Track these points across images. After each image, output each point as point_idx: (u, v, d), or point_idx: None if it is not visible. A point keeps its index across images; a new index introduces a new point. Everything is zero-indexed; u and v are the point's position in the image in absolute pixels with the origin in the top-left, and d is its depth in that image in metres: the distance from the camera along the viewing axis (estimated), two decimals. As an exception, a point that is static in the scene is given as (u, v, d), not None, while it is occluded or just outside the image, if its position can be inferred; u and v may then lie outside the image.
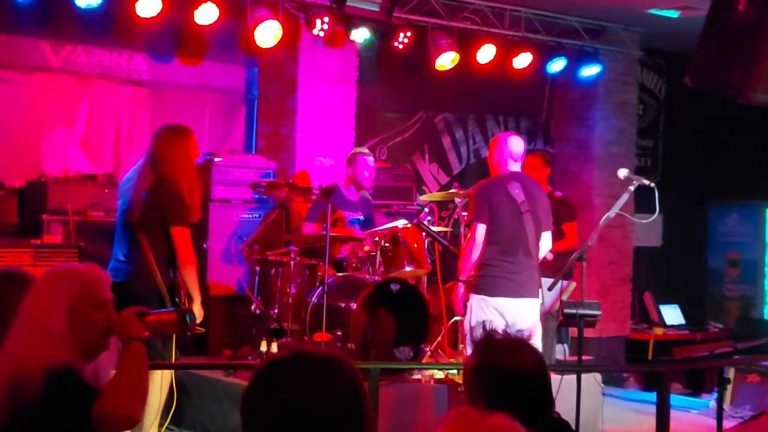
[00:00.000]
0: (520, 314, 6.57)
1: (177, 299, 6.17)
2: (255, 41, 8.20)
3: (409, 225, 7.64)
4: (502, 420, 2.16)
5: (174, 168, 6.15)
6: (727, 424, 6.78)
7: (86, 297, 3.27)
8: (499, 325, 6.09)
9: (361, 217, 8.18)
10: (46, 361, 3.10)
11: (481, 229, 6.61)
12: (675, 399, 7.64)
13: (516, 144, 6.84)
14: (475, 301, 6.63)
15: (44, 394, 3.06)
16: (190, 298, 6.17)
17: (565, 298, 7.05)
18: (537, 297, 6.73)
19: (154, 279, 6.05)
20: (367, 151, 8.31)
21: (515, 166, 6.82)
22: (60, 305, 3.21)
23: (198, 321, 6.22)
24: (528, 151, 7.29)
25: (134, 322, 3.33)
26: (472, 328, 6.59)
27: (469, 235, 6.75)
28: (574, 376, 6.33)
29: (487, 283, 6.62)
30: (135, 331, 3.32)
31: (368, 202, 8.33)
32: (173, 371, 6.30)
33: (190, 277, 6.14)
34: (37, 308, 3.23)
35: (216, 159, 8.27)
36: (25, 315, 3.23)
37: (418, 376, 7.37)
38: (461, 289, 6.74)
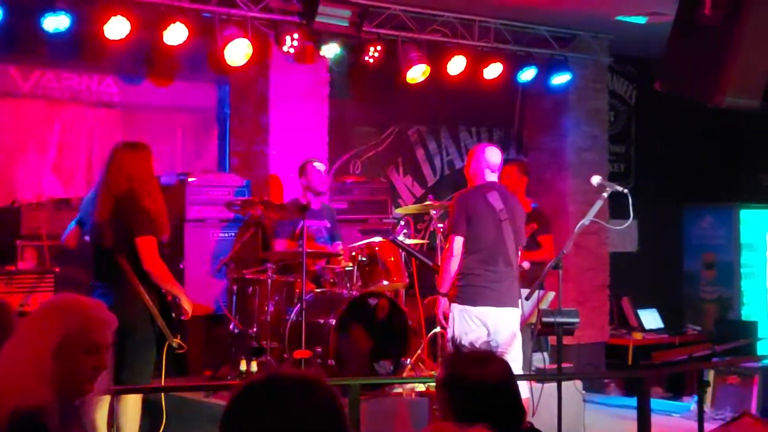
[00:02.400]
0: (501, 323, 6.59)
1: (174, 314, 6.13)
2: (225, 60, 8.19)
3: (384, 240, 7.66)
4: (480, 433, 2.16)
5: (136, 184, 6.08)
6: (708, 426, 6.78)
7: (80, 338, 3.11)
8: (482, 335, 6.16)
9: (328, 225, 8.21)
10: (18, 400, 2.94)
11: (458, 242, 6.64)
12: (656, 403, 7.66)
13: (493, 155, 6.89)
14: (457, 311, 6.64)
15: None
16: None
17: (544, 306, 7.06)
18: (517, 306, 6.75)
19: (142, 300, 6.00)
20: (316, 159, 8.34)
21: (492, 177, 6.86)
22: (50, 340, 3.06)
23: (189, 314, 6.18)
24: (504, 161, 7.32)
25: None
26: (447, 343, 6.62)
27: (447, 246, 6.77)
28: (554, 384, 6.33)
29: (469, 292, 6.64)
30: None
31: (330, 210, 8.43)
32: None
33: (164, 281, 6.09)
34: (28, 337, 3.10)
35: (190, 179, 8.24)
36: (15, 340, 3.10)
37: (399, 390, 7.36)
38: (442, 301, 6.75)
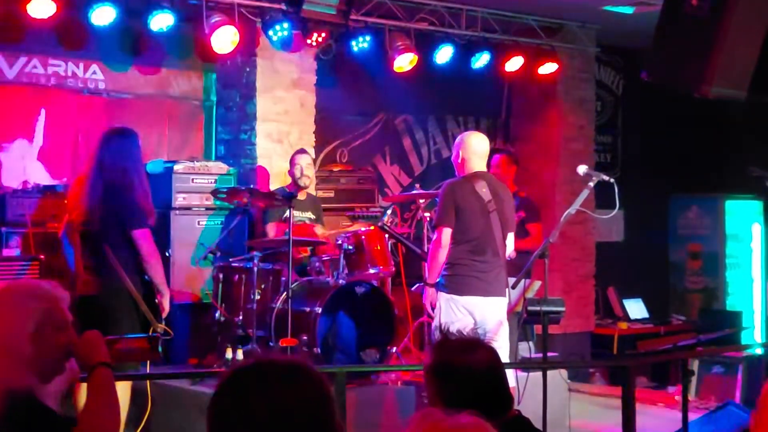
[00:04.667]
0: (488, 313, 6.61)
1: (156, 300, 6.14)
2: (212, 47, 8.16)
3: (372, 227, 7.65)
4: (468, 418, 2.16)
5: (125, 173, 6.08)
6: (693, 415, 6.82)
7: (51, 319, 3.15)
8: (468, 324, 6.18)
9: (312, 216, 8.21)
10: (7, 385, 2.99)
11: (446, 233, 6.65)
12: (641, 392, 7.68)
13: (479, 141, 6.89)
14: (444, 300, 6.65)
15: (7, 420, 2.95)
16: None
17: (530, 295, 7.08)
18: (505, 296, 6.77)
19: (126, 288, 5.99)
20: (301, 150, 8.32)
21: (480, 164, 6.86)
22: (25, 328, 3.09)
23: (164, 315, 6.20)
24: (494, 150, 7.33)
25: (100, 347, 3.23)
26: (434, 331, 6.63)
27: (434, 237, 6.77)
28: (540, 373, 6.35)
29: (456, 282, 6.65)
30: (101, 356, 3.21)
31: (315, 201, 8.40)
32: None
33: (157, 275, 6.11)
34: (1, 329, 3.11)
35: (176, 167, 8.22)
36: None
37: (385, 379, 7.37)
38: (429, 291, 6.75)
